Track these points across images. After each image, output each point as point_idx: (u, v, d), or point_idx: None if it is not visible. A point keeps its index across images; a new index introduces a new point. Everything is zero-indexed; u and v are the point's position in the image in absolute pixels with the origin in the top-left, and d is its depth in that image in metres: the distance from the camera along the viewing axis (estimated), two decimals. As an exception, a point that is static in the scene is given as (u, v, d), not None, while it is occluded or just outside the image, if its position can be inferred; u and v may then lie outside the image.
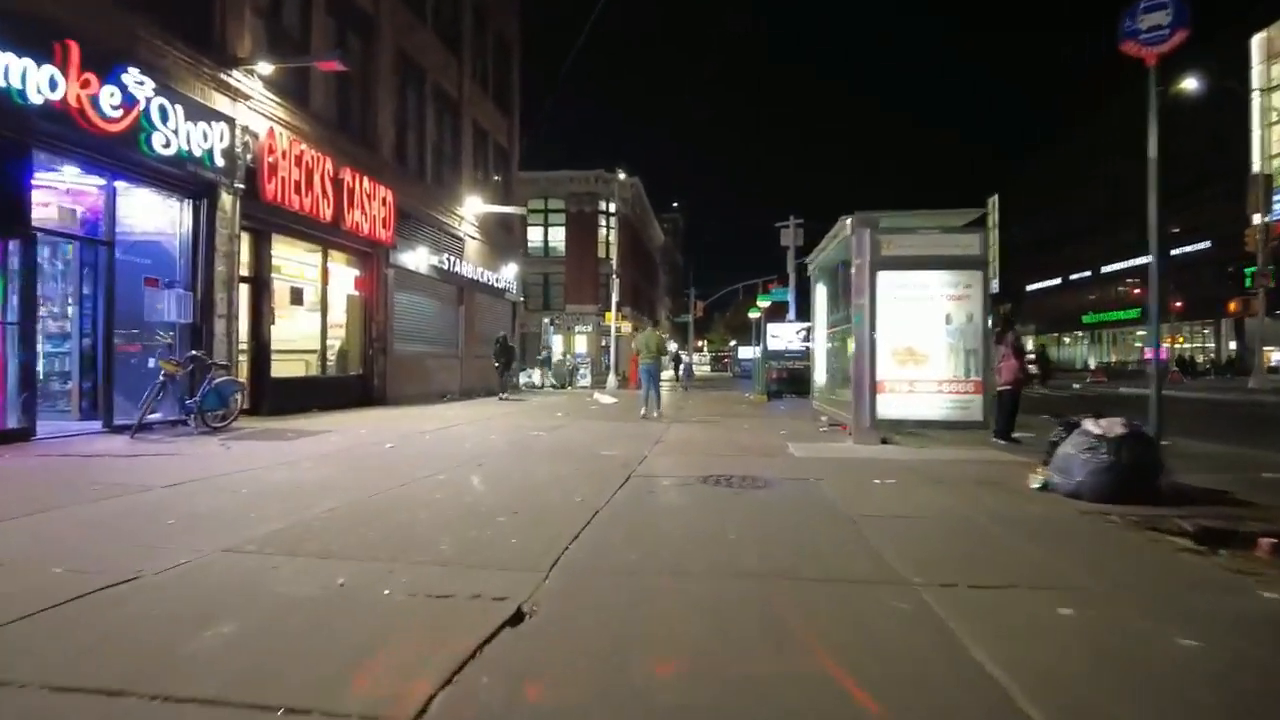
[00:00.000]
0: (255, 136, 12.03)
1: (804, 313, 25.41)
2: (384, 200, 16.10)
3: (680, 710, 2.19)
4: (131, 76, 9.17)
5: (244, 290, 12.34)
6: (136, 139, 9.36)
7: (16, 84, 7.78)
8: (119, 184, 9.90)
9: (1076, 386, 30.64)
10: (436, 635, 2.69)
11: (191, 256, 11.10)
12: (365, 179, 15.29)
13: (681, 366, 33.67)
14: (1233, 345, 45.27)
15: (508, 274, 25.40)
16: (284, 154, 12.60)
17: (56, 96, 8.20)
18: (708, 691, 2.30)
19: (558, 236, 46.49)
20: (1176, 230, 47.44)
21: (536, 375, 28.56)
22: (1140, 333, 55.70)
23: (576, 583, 3.38)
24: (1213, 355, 47.16)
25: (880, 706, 2.21)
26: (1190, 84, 22.57)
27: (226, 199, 11.36)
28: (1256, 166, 33.16)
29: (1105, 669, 2.50)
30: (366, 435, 9.80)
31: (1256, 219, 27.83)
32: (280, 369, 13.42)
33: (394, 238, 16.70)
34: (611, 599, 3.15)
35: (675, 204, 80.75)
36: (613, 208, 45.95)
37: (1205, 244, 43.82)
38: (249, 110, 11.97)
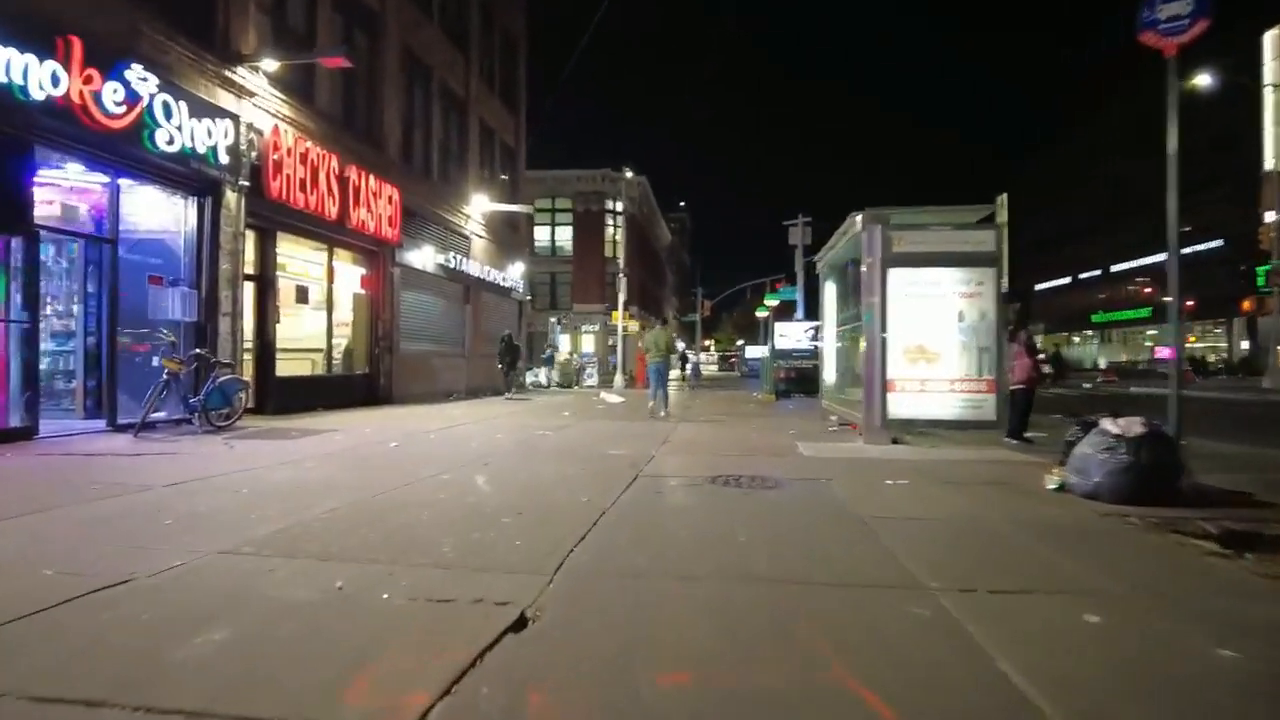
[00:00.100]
0: (260, 134, 11.97)
1: (812, 312, 25.24)
2: (390, 198, 16.04)
3: (690, 724, 2.08)
4: (134, 73, 9.10)
5: (249, 289, 12.28)
6: (140, 135, 9.30)
7: (18, 80, 7.72)
8: (123, 181, 9.84)
9: (1087, 386, 30.39)
10: (436, 642, 2.59)
11: (196, 254, 11.04)
12: (371, 177, 15.23)
13: (690, 366, 33.53)
14: (1245, 345, 44.87)
15: (514, 273, 25.32)
16: (289, 151, 12.53)
17: (59, 92, 8.14)
18: (717, 703, 2.19)
19: (565, 236, 46.36)
20: (1188, 229, 46.83)
21: (543, 374, 28.48)
22: (1150, 332, 55.32)
23: (582, 586, 3.27)
24: (1225, 355, 46.75)
25: (899, 718, 2.09)
26: (1203, 80, 22.33)
27: (231, 197, 11.30)
28: (1270, 164, 32.76)
29: (1136, 680, 2.38)
30: (371, 434, 9.72)
31: (1270, 217, 27.51)
32: (285, 368, 13.36)
33: (400, 236, 16.64)
34: (618, 603, 3.04)
35: (681, 203, 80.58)
36: (619, 207, 45.89)
37: (1217, 243, 43.43)
38: (254, 107, 11.91)
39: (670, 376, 15.46)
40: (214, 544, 3.83)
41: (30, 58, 7.80)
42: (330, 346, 15.13)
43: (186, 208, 10.99)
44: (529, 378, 27.01)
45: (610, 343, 40.17)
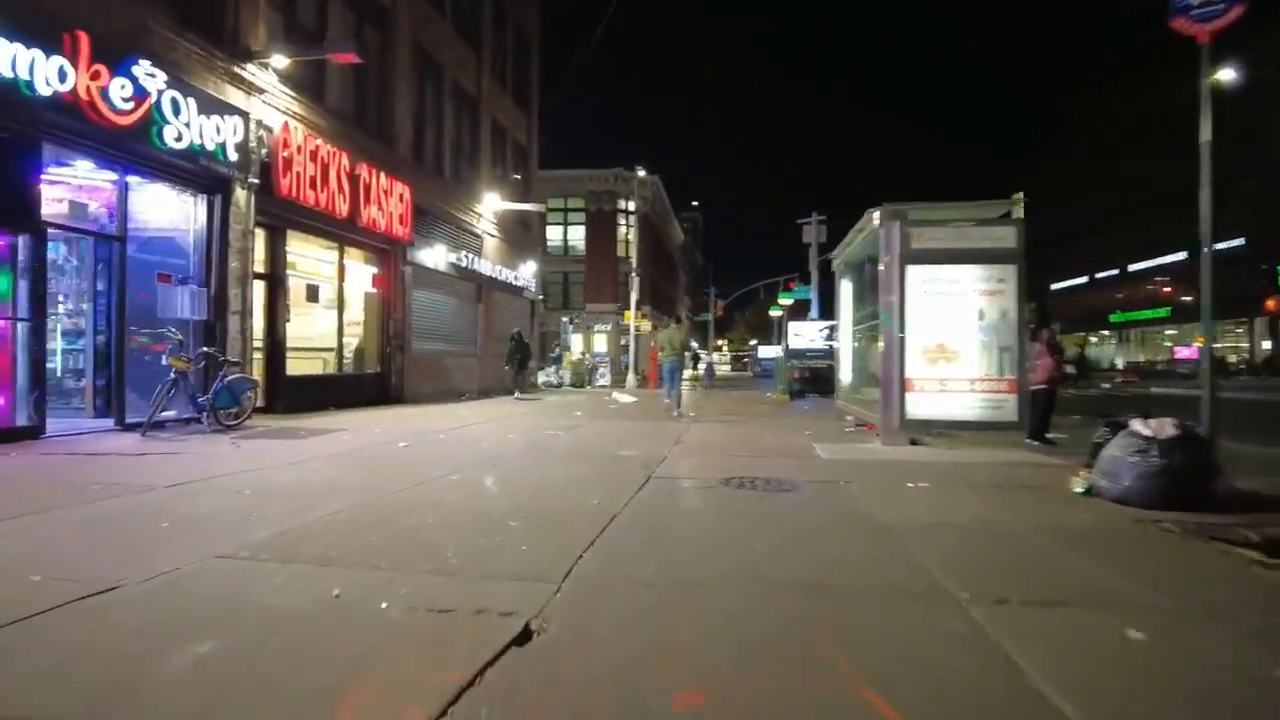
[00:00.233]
0: (270, 131, 11.88)
1: (826, 311, 25.01)
2: (401, 197, 15.94)
3: (706, 752, 1.91)
4: (142, 69, 9.02)
5: (259, 287, 12.20)
6: (148, 132, 9.22)
7: (25, 75, 7.64)
8: (131, 179, 9.77)
9: (1106, 386, 29.94)
10: (434, 656, 2.43)
11: (205, 252, 10.96)
12: (382, 175, 15.13)
13: (703, 366, 33.29)
14: (1266, 345, 44.18)
15: (526, 272, 25.21)
16: (299, 149, 12.44)
17: (66, 88, 8.06)
18: (737, 728, 2.02)
19: (577, 235, 46.28)
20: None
21: (555, 374, 28.33)
22: (1169, 332, 54.61)
23: (590, 596, 3.10)
24: (1246, 355, 46.03)
25: (936, 750, 1.92)
26: (1226, 75, 21.82)
27: (240, 194, 11.21)
28: (1294, 161, 32.22)
29: (1193, 706, 2.19)
30: (380, 434, 9.60)
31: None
32: (296, 367, 13.28)
33: (411, 235, 16.55)
34: (627, 615, 2.87)
35: (695, 203, 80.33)
36: (632, 206, 45.73)
37: (1237, 241, 42.75)
38: (263, 104, 11.83)
39: (684, 375, 15.30)
40: (211, 548, 3.69)
41: (36, 53, 7.71)
42: (341, 345, 15.04)
43: (196, 205, 10.91)
44: (541, 377, 26.88)
45: (622, 342, 40.02)
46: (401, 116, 16.89)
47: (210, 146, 10.33)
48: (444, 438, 9.49)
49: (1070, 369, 13.13)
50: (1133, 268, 58.00)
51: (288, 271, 13.02)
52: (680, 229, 67.05)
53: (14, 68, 7.55)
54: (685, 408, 14.28)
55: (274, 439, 8.86)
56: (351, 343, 15.65)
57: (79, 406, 10.09)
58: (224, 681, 2.21)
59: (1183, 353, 49.09)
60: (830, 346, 20.95)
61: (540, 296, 28.38)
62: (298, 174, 12.43)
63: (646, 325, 38.66)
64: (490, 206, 21.67)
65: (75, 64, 8.13)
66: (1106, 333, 63.26)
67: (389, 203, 15.41)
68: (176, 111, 9.63)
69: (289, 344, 12.97)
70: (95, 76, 8.37)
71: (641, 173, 42.64)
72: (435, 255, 18.17)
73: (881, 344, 9.12)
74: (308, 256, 14.00)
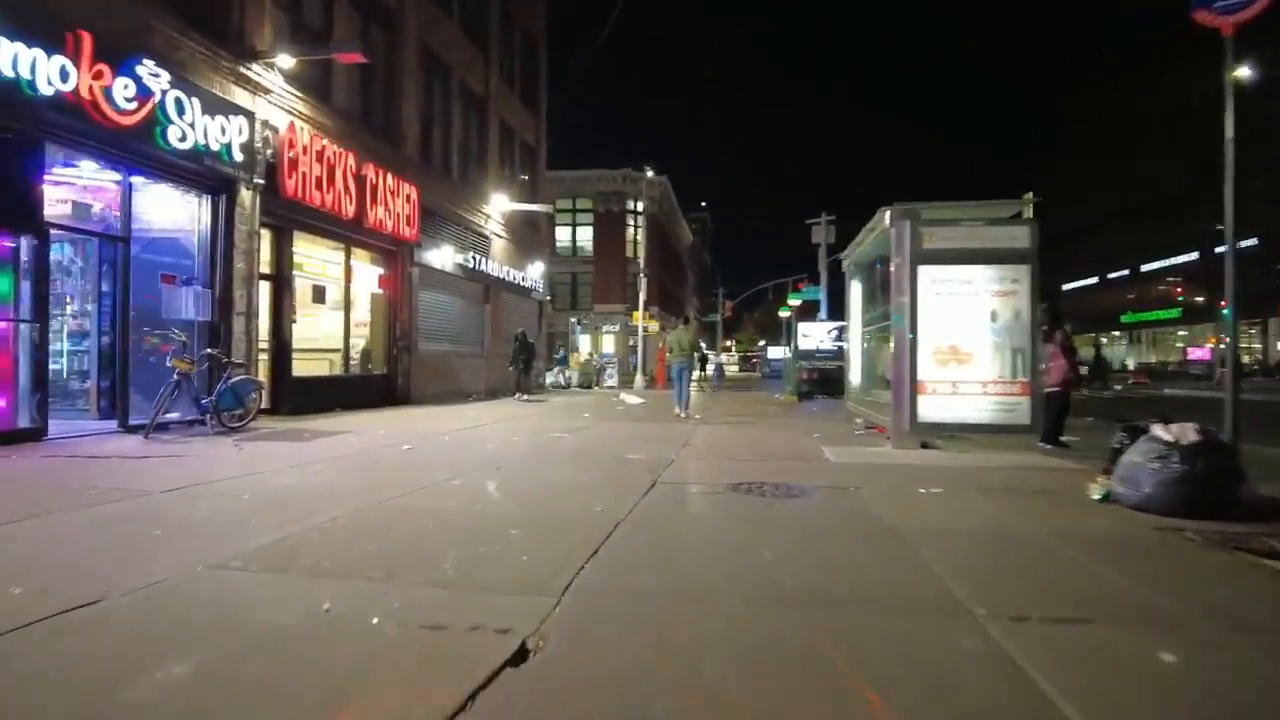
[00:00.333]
0: (275, 131, 11.82)
1: (835, 312, 24.85)
2: (408, 197, 15.87)
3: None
4: (146, 68, 8.96)
5: (265, 288, 12.14)
6: (151, 132, 9.16)
7: (26, 74, 7.59)
8: (135, 179, 9.72)
9: (1118, 388, 29.64)
10: (424, 678, 2.31)
11: (210, 253, 10.90)
12: (389, 175, 15.06)
13: (712, 367, 33.13)
14: (1280, 345, 43.70)
15: (534, 273, 25.12)
16: (305, 149, 12.38)
17: (68, 88, 8.00)
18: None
19: (585, 236, 46.12)
20: (1220, 227, 45.83)
21: (563, 375, 28.23)
22: (1181, 332, 54.13)
23: (591, 611, 2.97)
24: (1259, 355, 45.52)
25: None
26: (1242, 72, 21.53)
27: (246, 195, 11.14)
28: (1310, 159, 31.76)
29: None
30: (385, 436, 9.50)
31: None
32: (302, 368, 13.21)
33: (418, 235, 16.48)
34: (631, 631, 2.74)
35: (703, 203, 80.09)
36: (640, 207, 45.62)
37: (1250, 241, 42.27)
38: (269, 104, 11.76)
39: (692, 377, 15.19)
40: (201, 556, 3.59)
41: (38, 52, 7.66)
42: (348, 346, 14.98)
43: (201, 206, 10.85)
44: (549, 378, 26.79)
45: (630, 343, 39.91)
46: (409, 117, 16.82)
47: (215, 147, 10.27)
48: (449, 440, 9.39)
49: (1084, 369, 12.91)
50: (1144, 268, 57.55)
51: (294, 272, 12.96)
52: (689, 229, 66.89)
53: (15, 67, 7.49)
54: (693, 409, 14.16)
55: (277, 441, 8.78)
56: (358, 344, 15.59)
57: (83, 408, 10.05)
58: (200, 704, 2.10)
59: (1195, 354, 48.64)
60: (839, 347, 20.80)
61: (548, 297, 28.27)
62: (304, 174, 12.37)
63: (654, 326, 38.54)
64: (498, 207, 21.58)
65: (77, 63, 8.07)
66: (1117, 333, 62.75)
67: (396, 203, 15.34)
68: (180, 111, 9.57)
69: (295, 345, 12.91)
70: (98, 76, 8.31)
71: (650, 173, 42.59)
72: (442, 256, 18.09)
73: (892, 345, 8.97)
74: (314, 257, 13.94)
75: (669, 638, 2.69)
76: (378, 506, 4.98)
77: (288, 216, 12.45)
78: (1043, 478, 6.73)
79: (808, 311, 30.21)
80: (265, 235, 11.99)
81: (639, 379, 28.76)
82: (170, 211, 10.67)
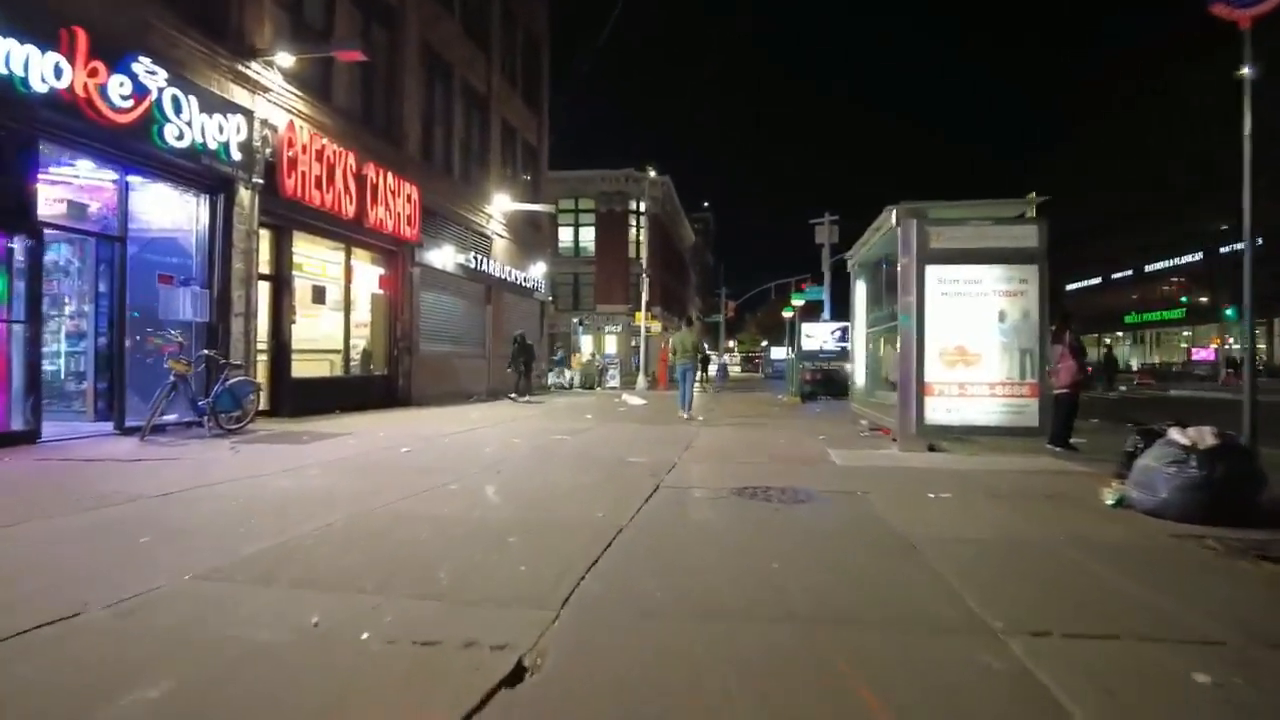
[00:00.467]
0: (274, 130, 11.69)
1: (839, 312, 24.70)
2: (409, 197, 15.75)
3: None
4: (142, 66, 8.84)
5: (264, 288, 12.02)
6: (148, 131, 9.03)
7: (19, 71, 7.46)
8: (132, 178, 9.60)
9: (1123, 389, 29.44)
10: (413, 701, 2.18)
11: (208, 253, 10.78)
12: (390, 175, 14.94)
13: (715, 368, 32.98)
14: (1287, 345, 43.44)
15: (536, 273, 24.99)
16: (304, 148, 12.26)
17: (62, 85, 7.87)
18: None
19: (588, 236, 46.01)
20: (1224, 227, 45.73)
21: (566, 375, 28.10)
22: (1186, 333, 53.92)
23: (592, 625, 2.84)
24: (1264, 356, 45.28)
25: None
26: (1246, 71, 21.31)
27: (244, 194, 11.02)
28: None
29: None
30: (384, 438, 9.38)
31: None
32: (302, 369, 13.09)
33: (419, 235, 16.35)
34: (632, 648, 2.61)
35: (705, 204, 79.94)
36: (643, 207, 45.51)
37: (1258, 240, 42.00)
38: (268, 103, 11.64)
39: (695, 378, 15.09)
40: (187, 566, 3.46)
41: (31, 49, 7.54)
42: (348, 347, 14.84)
43: (199, 206, 10.73)
44: (551, 379, 26.65)
45: (633, 344, 39.80)
46: (410, 116, 16.69)
47: (213, 146, 10.14)
48: (448, 442, 9.26)
49: (1088, 369, 12.71)
50: (1148, 268, 57.39)
51: (293, 273, 12.84)
52: (691, 230, 66.75)
53: (8, 64, 7.37)
54: (695, 410, 14.04)
55: (275, 444, 8.66)
56: (358, 345, 15.46)
57: (80, 410, 9.94)
58: (175, 732, 1.97)
59: (1200, 354, 48.43)
60: (843, 348, 20.67)
61: (550, 298, 28.15)
62: (303, 174, 12.25)
63: (657, 326, 38.42)
64: (500, 207, 21.46)
65: (72, 61, 7.95)
66: (1121, 334, 62.55)
67: (397, 203, 15.22)
68: (178, 110, 9.45)
69: (294, 346, 12.78)
70: (93, 74, 8.19)
71: (652, 173, 42.47)
72: (444, 256, 17.96)
73: (899, 346, 8.83)
74: (314, 257, 13.82)
75: (673, 655, 2.56)
76: (373, 512, 4.85)
77: (287, 216, 12.33)
78: (1054, 482, 6.59)
79: (811, 312, 30.10)
80: (264, 235, 11.87)
81: (641, 380, 28.63)
82: (168, 211, 10.55)
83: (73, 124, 8.26)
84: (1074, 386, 9.31)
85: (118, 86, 8.50)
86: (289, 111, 12.18)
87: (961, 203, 9.34)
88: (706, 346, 39.20)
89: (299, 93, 12.47)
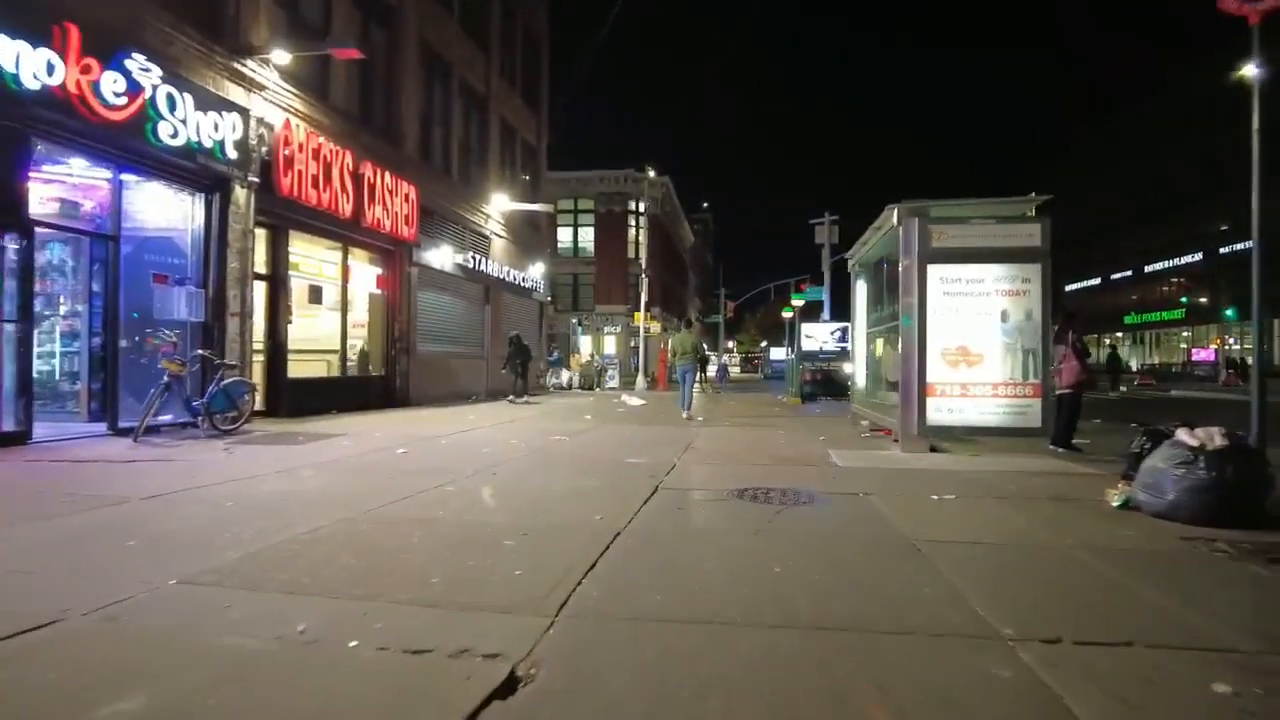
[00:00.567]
0: (270, 128, 11.59)
1: (839, 313, 24.64)
2: (407, 196, 15.65)
3: None
4: (136, 63, 8.74)
5: (260, 288, 11.93)
6: (142, 128, 8.94)
7: (10, 67, 7.37)
8: (126, 177, 9.50)
9: (1123, 389, 29.36)
10: (401, 713, 2.09)
11: (204, 253, 10.68)
12: (387, 174, 14.84)
13: (715, 369, 32.92)
14: (1289, 345, 43.34)
15: (535, 273, 24.90)
16: (301, 147, 12.16)
17: (55, 82, 7.78)
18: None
19: (587, 237, 45.93)
20: (1224, 228, 45.68)
21: (564, 376, 27.98)
22: (1185, 334, 53.86)
23: (588, 633, 2.75)
24: (1267, 357, 45.16)
25: None
26: (1250, 70, 21.21)
27: (240, 193, 10.93)
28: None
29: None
30: (380, 439, 9.28)
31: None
32: (299, 369, 13.00)
33: (417, 235, 16.25)
34: (630, 658, 2.52)
35: (705, 204, 79.81)
36: (642, 207, 45.43)
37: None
38: (264, 101, 11.55)
39: (695, 379, 15.04)
40: (173, 571, 3.36)
41: (23, 45, 7.44)
42: (345, 348, 14.74)
43: (194, 204, 10.63)
44: (549, 380, 26.55)
45: (632, 344, 39.71)
46: (408, 115, 16.60)
47: (208, 144, 10.05)
48: (445, 443, 9.17)
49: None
50: (1147, 269, 57.35)
51: (290, 272, 12.75)
52: (691, 230, 66.67)
53: (-1, 60, 7.28)
54: (695, 411, 13.96)
55: (270, 445, 8.57)
56: (356, 345, 15.37)
57: (73, 410, 9.82)
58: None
59: (1200, 355, 48.37)
60: (843, 349, 20.62)
61: (549, 298, 28.05)
62: (299, 172, 12.15)
63: (656, 327, 38.33)
64: (498, 207, 21.37)
65: (65, 57, 7.86)
66: (1120, 334, 62.48)
67: (394, 203, 15.12)
68: (172, 107, 9.35)
69: (291, 346, 12.70)
70: (86, 70, 8.10)
71: (651, 174, 42.39)
72: (442, 256, 17.87)
73: (900, 346, 8.74)
74: (311, 257, 13.74)
75: (672, 663, 2.46)
76: (365, 515, 4.76)
77: (283, 215, 12.23)
78: (1058, 483, 6.50)
79: (811, 312, 30.02)
80: (260, 234, 11.78)
81: (640, 380, 28.54)
82: (163, 210, 10.45)
83: (65, 121, 8.16)
84: (1077, 386, 9.23)
85: (111, 83, 8.41)
86: (285, 110, 12.09)
87: (963, 201, 9.26)
88: (706, 348, 39.11)
89: (296, 91, 12.37)
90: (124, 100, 8.60)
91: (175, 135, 9.40)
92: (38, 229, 8.33)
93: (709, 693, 2.26)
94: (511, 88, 23.48)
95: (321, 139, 12.77)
